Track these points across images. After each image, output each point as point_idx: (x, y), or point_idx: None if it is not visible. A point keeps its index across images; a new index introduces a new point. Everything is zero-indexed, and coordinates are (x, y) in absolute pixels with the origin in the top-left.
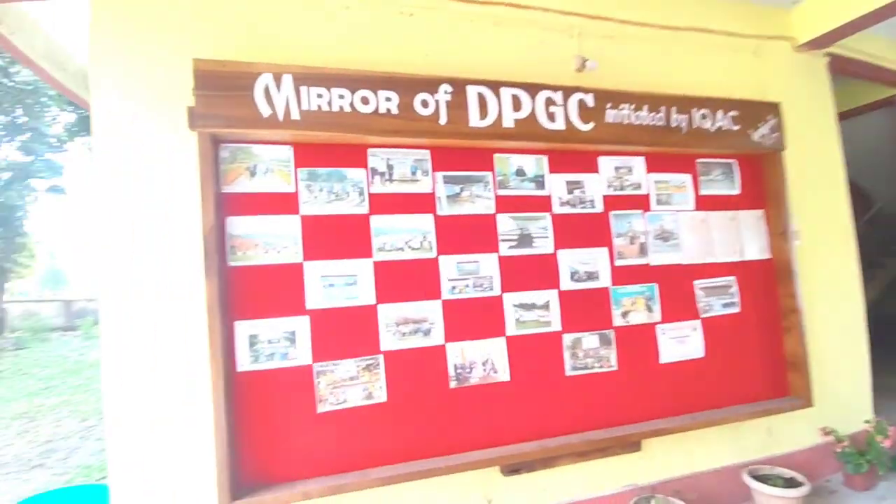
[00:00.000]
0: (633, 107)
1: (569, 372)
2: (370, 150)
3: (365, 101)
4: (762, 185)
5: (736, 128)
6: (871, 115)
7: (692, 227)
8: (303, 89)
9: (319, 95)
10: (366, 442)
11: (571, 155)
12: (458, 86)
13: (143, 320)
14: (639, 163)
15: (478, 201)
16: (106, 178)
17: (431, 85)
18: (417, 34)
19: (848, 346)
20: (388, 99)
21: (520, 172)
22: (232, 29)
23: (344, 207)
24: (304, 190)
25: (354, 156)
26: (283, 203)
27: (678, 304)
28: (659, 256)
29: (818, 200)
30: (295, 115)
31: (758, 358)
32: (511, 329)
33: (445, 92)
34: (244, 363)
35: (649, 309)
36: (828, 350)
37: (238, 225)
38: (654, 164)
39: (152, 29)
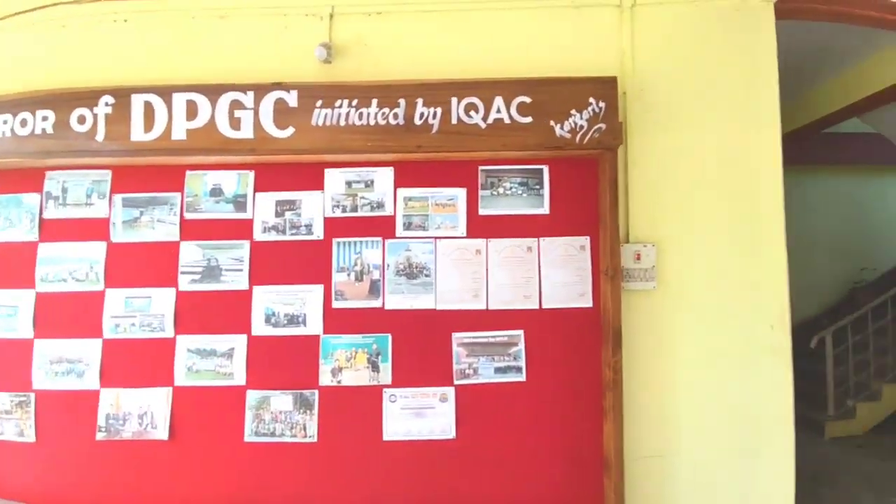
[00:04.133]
0: (354, 102)
1: (249, 438)
2: (48, 173)
3: (24, 123)
4: (592, 202)
5: (525, 119)
6: None
7: (458, 259)
8: None
9: None
10: (13, 479)
11: (287, 168)
12: (122, 96)
13: None
14: (383, 175)
15: (159, 227)
16: None
17: (91, 98)
18: (132, 41)
19: (713, 446)
20: (45, 118)
21: (215, 192)
22: None
23: (15, 234)
24: None
25: (32, 180)
26: None
27: (422, 363)
28: (399, 298)
29: (706, 222)
30: None
31: (554, 450)
32: (180, 379)
33: (106, 104)
34: None
35: (374, 367)
36: (681, 450)
37: None
38: (408, 176)
39: None
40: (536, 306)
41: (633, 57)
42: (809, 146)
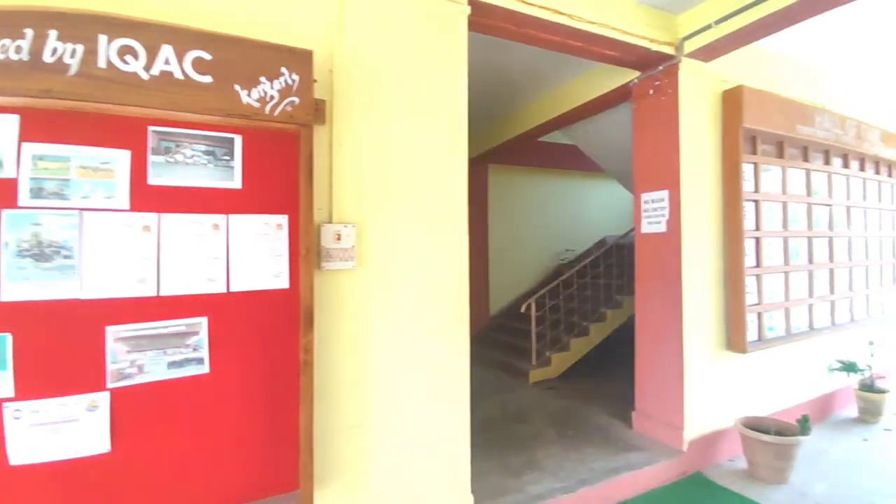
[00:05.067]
0: None
1: None
2: None
3: None
4: (293, 179)
5: (204, 78)
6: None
7: (118, 237)
8: None
9: None
10: None
11: None
12: None
13: None
14: (1, 124)
15: None
16: None
17: None
18: None
19: (406, 409)
20: None
21: None
22: None
23: None
24: None
25: None
26: None
27: (61, 367)
28: (25, 287)
29: (403, 206)
30: None
31: (249, 438)
32: None
33: None
34: None
35: None
36: (379, 417)
37: None
38: (42, 129)
39: None
40: (224, 289)
41: (342, 38)
42: (528, 152)
